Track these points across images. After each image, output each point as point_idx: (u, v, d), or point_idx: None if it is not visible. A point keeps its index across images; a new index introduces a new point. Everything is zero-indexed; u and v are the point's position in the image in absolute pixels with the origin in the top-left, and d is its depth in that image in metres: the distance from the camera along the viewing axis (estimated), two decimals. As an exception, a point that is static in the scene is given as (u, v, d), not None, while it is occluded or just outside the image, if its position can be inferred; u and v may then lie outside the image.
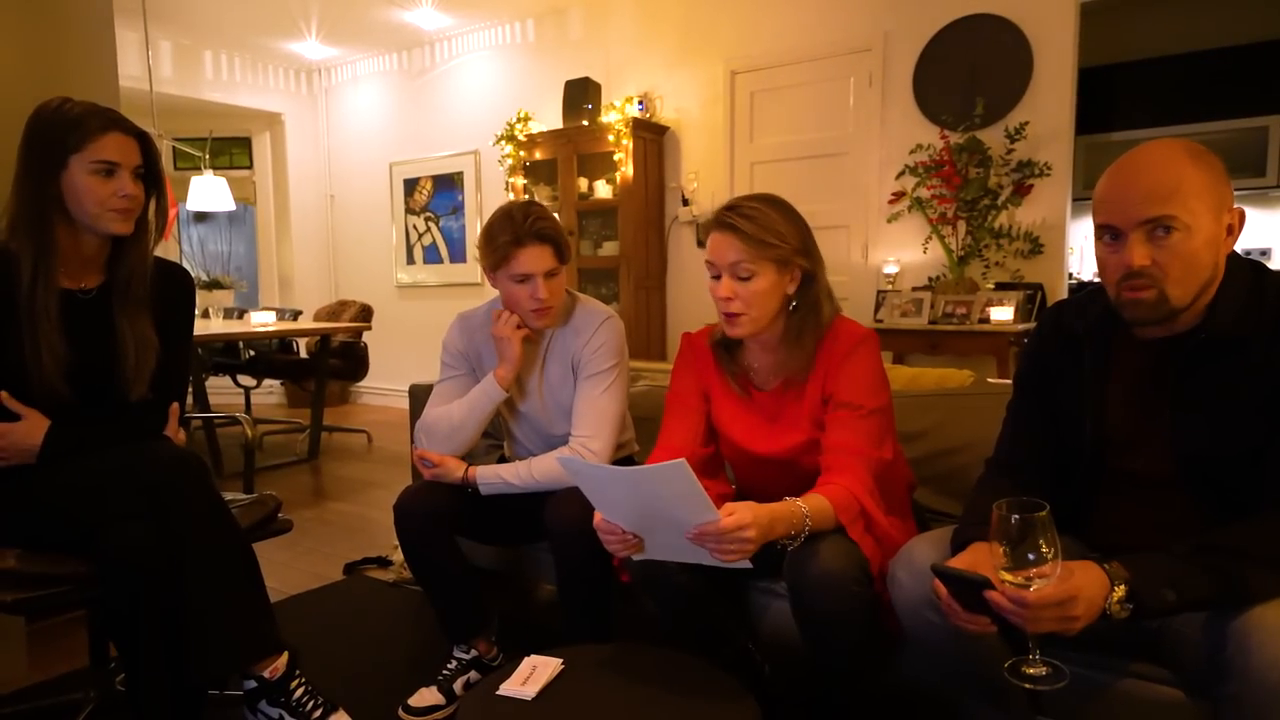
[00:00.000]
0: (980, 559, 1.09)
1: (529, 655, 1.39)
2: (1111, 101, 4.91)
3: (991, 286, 3.87)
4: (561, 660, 1.37)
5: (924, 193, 4.02)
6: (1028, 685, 1.01)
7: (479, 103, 5.82)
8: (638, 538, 1.36)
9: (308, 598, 2.52)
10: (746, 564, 1.28)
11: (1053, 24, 3.80)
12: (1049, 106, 3.83)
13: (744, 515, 1.25)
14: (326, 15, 5.49)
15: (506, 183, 5.32)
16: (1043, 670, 1.01)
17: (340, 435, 5.35)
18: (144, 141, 1.56)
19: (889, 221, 4.22)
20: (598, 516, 1.37)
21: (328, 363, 4.75)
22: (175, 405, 1.64)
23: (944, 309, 3.83)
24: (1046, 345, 1.37)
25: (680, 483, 1.17)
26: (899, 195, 4.14)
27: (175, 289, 1.70)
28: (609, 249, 5.00)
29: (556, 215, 5.16)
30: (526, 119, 5.21)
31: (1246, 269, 1.19)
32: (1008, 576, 0.98)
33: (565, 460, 1.30)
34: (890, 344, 3.90)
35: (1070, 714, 1.36)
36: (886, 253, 4.25)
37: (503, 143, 5.25)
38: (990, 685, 1.31)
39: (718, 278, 1.49)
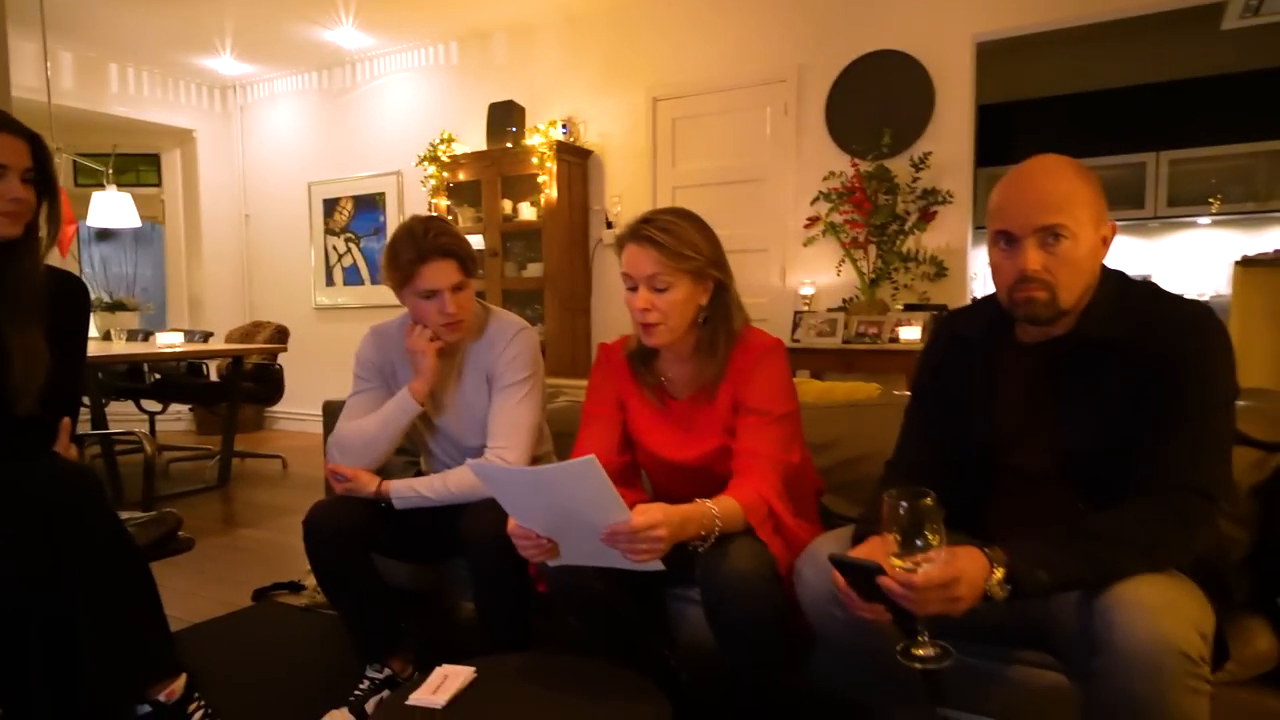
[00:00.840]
0: (874, 549, 1.14)
1: (441, 665, 1.37)
2: (1009, 136, 5.22)
3: (900, 307, 4.04)
4: (474, 669, 1.36)
5: (837, 218, 4.18)
6: (917, 665, 1.06)
7: (402, 123, 5.77)
8: (552, 543, 1.37)
9: (214, 625, 2.42)
10: (659, 565, 1.30)
11: (953, 62, 4.04)
12: (951, 138, 4.05)
13: (655, 514, 1.27)
14: (242, 31, 5.38)
15: (429, 204, 5.29)
16: (932, 651, 1.06)
17: (253, 461, 5.16)
18: (35, 143, 1.50)
19: (805, 245, 4.37)
20: (511, 522, 1.37)
21: (240, 385, 4.59)
22: (66, 420, 1.57)
23: (857, 329, 3.98)
24: (940, 351, 1.46)
25: (591, 480, 1.19)
26: (814, 220, 4.30)
27: (68, 299, 1.63)
28: (533, 270, 5.01)
29: (480, 237, 5.15)
30: (450, 140, 5.20)
31: (1114, 278, 1.30)
32: (898, 562, 1.04)
33: (477, 466, 1.30)
34: (807, 363, 4.02)
35: (968, 702, 1.43)
36: (803, 275, 4.40)
37: (426, 164, 5.22)
38: (895, 680, 1.37)
39: (634, 289, 1.52)
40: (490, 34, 5.36)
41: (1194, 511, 1.08)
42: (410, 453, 2.20)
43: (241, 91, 6.55)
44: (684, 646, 1.68)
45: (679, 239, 1.50)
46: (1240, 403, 1.47)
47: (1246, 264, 3.37)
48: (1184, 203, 4.94)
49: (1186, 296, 1.24)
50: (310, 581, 2.64)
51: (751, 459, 1.49)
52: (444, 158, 5.16)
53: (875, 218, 4.03)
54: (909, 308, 4.02)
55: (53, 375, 1.53)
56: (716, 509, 1.38)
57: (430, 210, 5.26)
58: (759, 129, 4.55)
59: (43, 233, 1.54)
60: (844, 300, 4.24)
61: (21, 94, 2.92)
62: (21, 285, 1.51)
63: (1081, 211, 1.19)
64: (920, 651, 1.07)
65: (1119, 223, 4.99)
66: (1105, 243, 1.26)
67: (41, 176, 1.51)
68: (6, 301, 1.51)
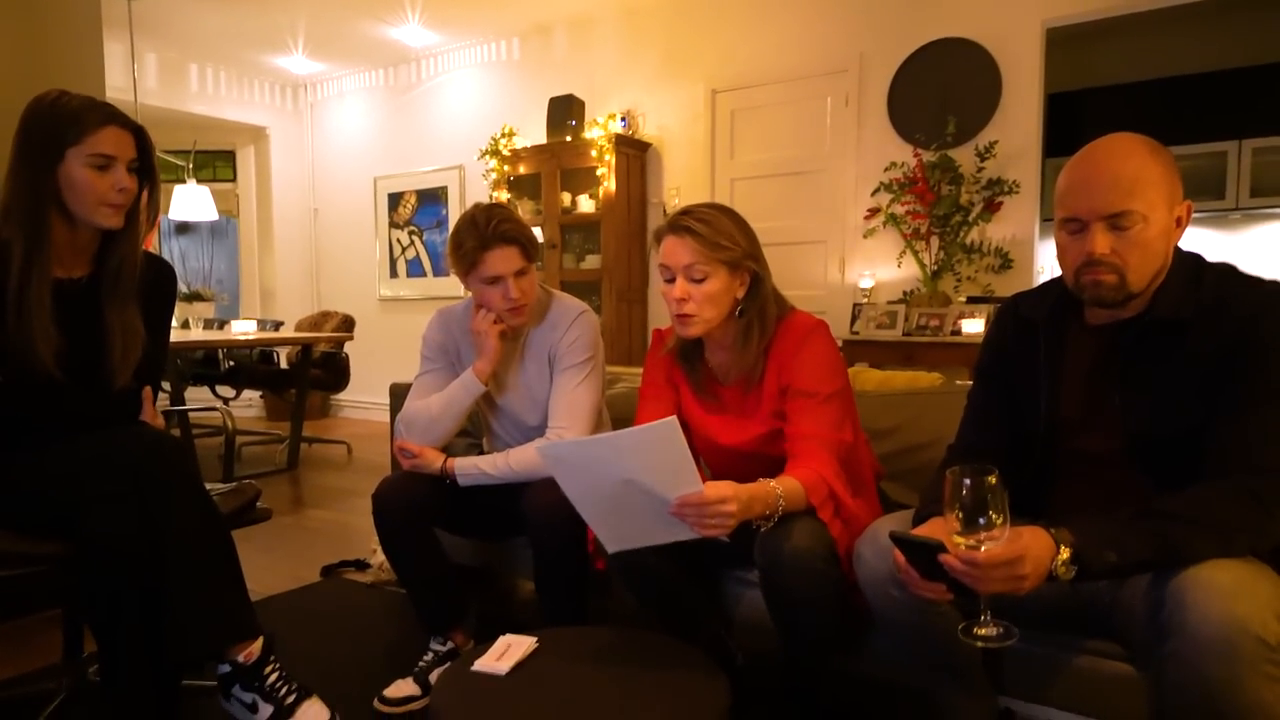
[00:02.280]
0: (936, 528, 1.13)
1: (504, 634, 1.41)
2: (1078, 125, 5.05)
3: (963, 300, 3.96)
4: (536, 639, 1.40)
5: (898, 209, 4.12)
6: (979, 644, 1.06)
7: (464, 118, 5.89)
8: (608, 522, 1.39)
9: (285, 597, 2.52)
10: (723, 538, 1.31)
11: (1021, 49, 3.93)
12: (1017, 127, 3.95)
13: (725, 489, 1.29)
14: (313, 30, 5.56)
15: (490, 197, 5.38)
16: (994, 630, 1.06)
17: (320, 446, 5.34)
18: (139, 136, 1.59)
19: (865, 237, 4.32)
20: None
21: (309, 373, 4.75)
22: (148, 389, 1.66)
23: (918, 321, 3.91)
24: (1004, 334, 1.44)
25: (669, 444, 1.19)
26: (874, 211, 4.24)
27: (160, 282, 1.73)
28: (591, 262, 5.06)
29: (540, 229, 5.23)
30: (511, 134, 5.28)
31: (1189, 260, 1.26)
32: (960, 540, 1.03)
33: (545, 447, 1.32)
34: (866, 355, 3.97)
35: (1029, 690, 1.41)
36: (862, 267, 4.34)
37: (487, 157, 5.32)
38: (954, 664, 1.36)
39: (671, 280, 1.54)
40: (551, 28, 5.42)
41: (1273, 494, 1.04)
42: (473, 435, 2.26)
43: (312, 89, 6.77)
44: (740, 628, 1.69)
45: (716, 229, 1.51)
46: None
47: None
48: (1269, 193, 4.71)
49: (1262, 277, 1.20)
50: (376, 559, 2.73)
51: (805, 440, 1.49)
52: (505, 151, 5.25)
53: (938, 208, 3.96)
54: (972, 300, 3.94)
55: (146, 351, 1.63)
56: (780, 488, 1.39)
57: (492, 200, 5.35)
58: (819, 120, 4.51)
59: (142, 219, 1.63)
60: (905, 293, 4.17)
61: (111, 94, 3.07)
62: (122, 268, 1.61)
63: (1153, 193, 1.16)
64: (982, 631, 1.06)
65: (1198, 215, 4.75)
66: (1180, 224, 1.22)
67: (144, 166, 1.60)
68: (108, 284, 1.60)
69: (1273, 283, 1.18)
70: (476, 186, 5.75)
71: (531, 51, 5.56)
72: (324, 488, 4.20)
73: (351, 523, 3.45)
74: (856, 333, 4.05)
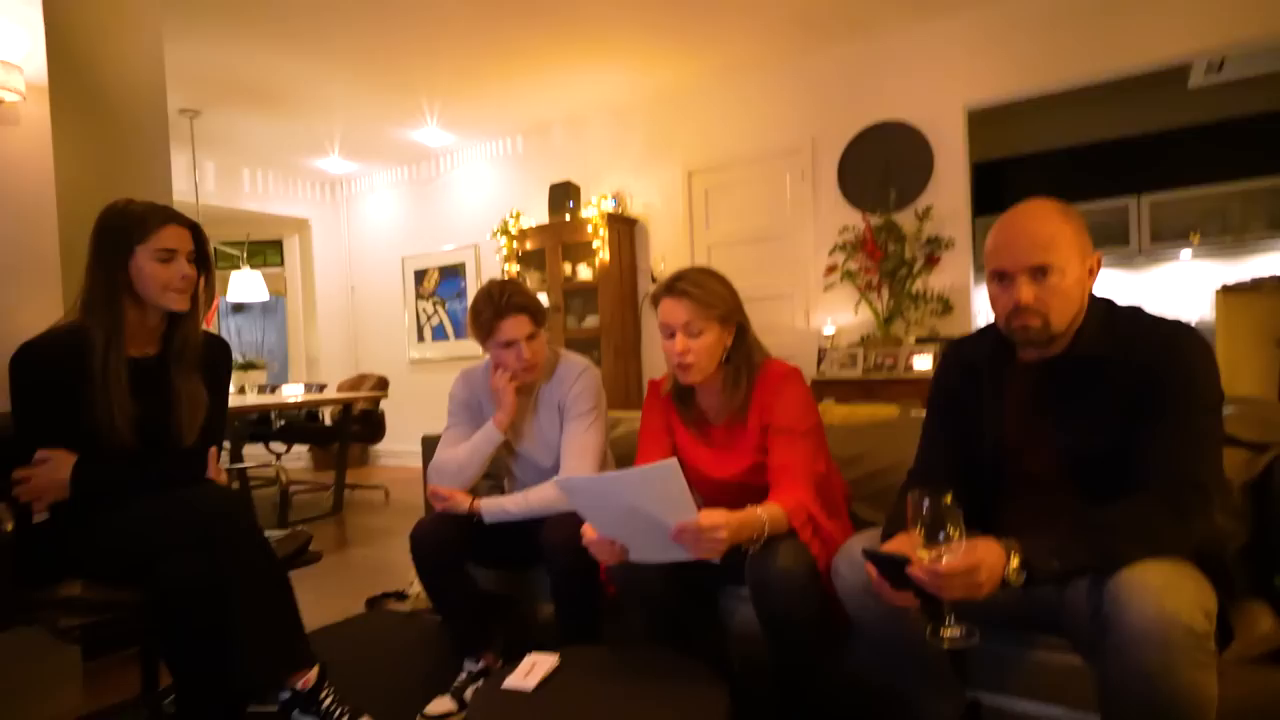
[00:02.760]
0: (902, 544, 1.14)
1: (530, 653, 1.40)
2: (1001, 188, 5.17)
3: (913, 341, 4.00)
4: (558, 657, 1.38)
5: (852, 265, 4.18)
6: (945, 645, 1.05)
7: (477, 204, 5.99)
8: (623, 547, 1.39)
9: (334, 628, 2.48)
10: (715, 560, 1.31)
11: (947, 127, 4.05)
12: (950, 192, 4.04)
13: (718, 517, 1.29)
14: (347, 135, 5.68)
15: (502, 269, 5.44)
16: (958, 631, 1.05)
17: (361, 491, 5.29)
18: (196, 231, 1.62)
19: (825, 290, 4.37)
20: (588, 531, 1.40)
21: (350, 427, 4.74)
22: (213, 449, 1.67)
23: (875, 361, 3.94)
24: (949, 373, 1.46)
25: (670, 480, 1.21)
26: (832, 268, 4.30)
27: (218, 355, 1.75)
28: (590, 322, 5.10)
29: (544, 295, 5.28)
30: (518, 216, 5.37)
31: (1102, 304, 1.29)
32: (923, 553, 1.04)
33: (563, 481, 1.33)
34: (832, 392, 3.98)
35: (993, 683, 1.39)
36: (824, 316, 4.39)
37: (498, 236, 5.40)
38: (925, 664, 1.35)
39: (671, 336, 1.57)
40: (549, 125, 5.55)
41: (1189, 504, 1.05)
42: (494, 478, 2.25)
43: (347, 184, 6.88)
44: (735, 639, 1.67)
45: (707, 291, 1.54)
46: (1231, 409, 1.44)
47: (1227, 291, 3.26)
48: (1165, 238, 4.81)
49: (1164, 316, 1.23)
50: (413, 590, 2.69)
51: (785, 472, 1.50)
52: (513, 230, 5.33)
53: (886, 264, 4.02)
54: (920, 341, 3.98)
55: (208, 415, 1.64)
56: (765, 514, 1.40)
57: (503, 275, 5.42)
58: (780, 192, 4.60)
59: (200, 301, 1.65)
60: (862, 337, 4.21)
61: (177, 197, 3.14)
62: (186, 344, 1.62)
63: (1066, 247, 1.20)
64: (947, 633, 1.06)
65: (1107, 258, 4.85)
66: (1091, 273, 1.26)
67: (200, 256, 1.63)
68: (175, 358, 1.62)
69: (1173, 321, 1.21)
70: (490, 261, 5.82)
71: (533, 145, 5.68)
72: (365, 528, 4.15)
73: (391, 559, 3.40)
74: (823, 372, 4.07)
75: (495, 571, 2.09)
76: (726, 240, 4.82)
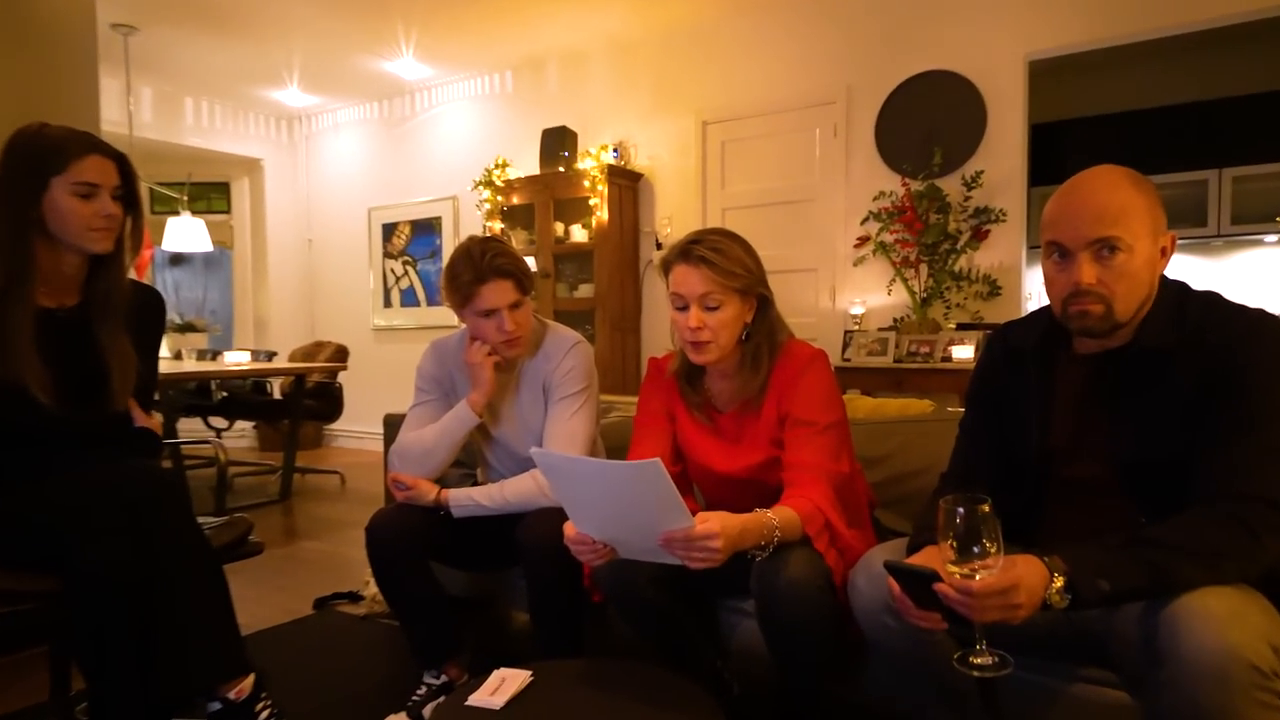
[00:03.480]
0: (931, 557, 1.13)
1: (499, 668, 1.40)
2: (1063, 155, 5.12)
3: (953, 327, 3.99)
4: (530, 673, 1.39)
5: (887, 237, 4.16)
6: (975, 674, 1.05)
7: (458, 150, 5.94)
8: (608, 547, 1.39)
9: (276, 631, 2.49)
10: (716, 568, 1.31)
11: (1004, 81, 4.01)
12: (1003, 157, 4.01)
13: (713, 524, 1.28)
14: (309, 64, 5.62)
15: (484, 227, 5.41)
16: (989, 660, 1.05)
17: (313, 476, 5.30)
18: (122, 163, 1.60)
19: (855, 265, 4.36)
20: (569, 529, 1.40)
21: (302, 403, 4.74)
22: (133, 400, 1.65)
23: (908, 348, 3.93)
24: (994, 362, 1.45)
25: (654, 483, 1.20)
26: (864, 240, 4.28)
27: (148, 308, 1.74)
28: (584, 291, 5.08)
29: (533, 259, 5.25)
30: (504, 165, 5.33)
31: (1174, 288, 1.28)
32: (954, 569, 1.03)
33: (539, 453, 1.32)
34: (857, 382, 3.98)
35: (1024, 718, 1.40)
36: (853, 295, 4.37)
37: (481, 188, 5.36)
38: (949, 692, 1.35)
39: (684, 308, 1.55)
40: (543, 62, 5.50)
41: (1260, 521, 1.05)
42: (467, 467, 2.25)
43: (306, 122, 6.82)
44: (737, 657, 1.68)
45: (729, 258, 1.53)
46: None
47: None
48: (1249, 220, 4.78)
49: (1246, 305, 1.21)
50: (369, 591, 2.70)
51: (802, 470, 1.49)
52: (498, 182, 5.29)
53: (926, 237, 4.00)
54: (961, 327, 3.97)
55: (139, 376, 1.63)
56: (776, 520, 1.39)
57: (485, 232, 5.39)
58: (808, 150, 4.57)
59: (127, 245, 1.64)
60: (895, 320, 4.20)
61: (107, 127, 3.10)
62: (110, 294, 1.61)
63: (1137, 223, 1.18)
64: (978, 660, 1.06)
65: (1181, 241, 4.82)
66: (1165, 254, 1.24)
67: (128, 194, 1.61)
68: (97, 310, 1.60)
69: (1253, 310, 1.20)
70: (470, 217, 5.79)
71: (524, 84, 5.63)
72: (317, 518, 4.16)
73: (345, 554, 3.42)
74: (848, 360, 4.07)
75: (463, 573, 2.09)
76: (744, 203, 4.79)
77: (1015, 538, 1.44)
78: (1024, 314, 1.50)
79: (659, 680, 1.39)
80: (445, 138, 6.05)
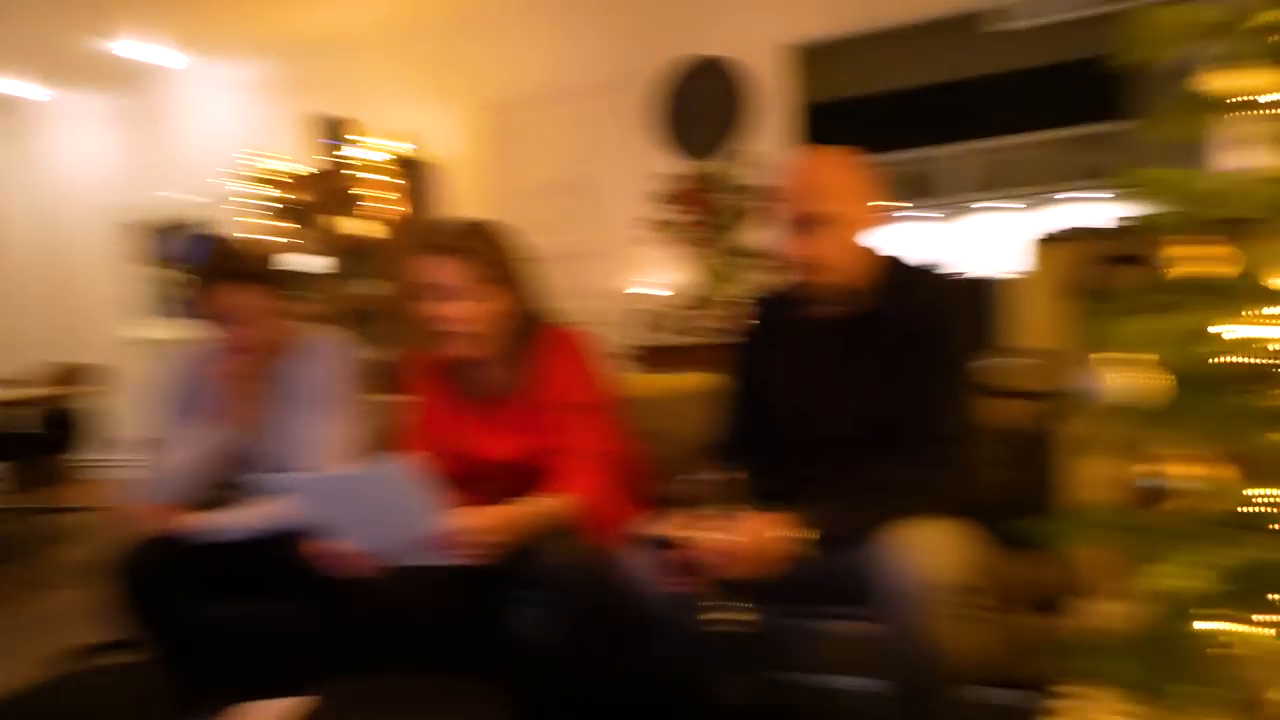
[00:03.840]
0: (686, 525, 1.19)
1: (273, 697, 1.31)
2: (830, 134, 5.56)
3: (764, 292, 4.19)
4: (314, 698, 1.31)
5: (671, 219, 4.30)
6: (727, 628, 1.12)
7: (219, 142, 5.43)
8: (368, 554, 1.34)
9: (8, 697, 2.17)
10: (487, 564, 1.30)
11: (769, 65, 4.25)
12: (774, 137, 4.26)
13: (479, 518, 1.27)
14: (25, 45, 4.89)
15: (253, 225, 5.00)
16: (737, 613, 1.13)
17: (61, 516, 4.66)
18: None
19: (641, 246, 4.47)
20: (325, 545, 1.34)
21: (40, 433, 4.16)
22: None
23: (694, 324, 4.11)
24: (747, 333, 1.54)
25: (405, 483, 1.17)
26: (648, 221, 4.40)
27: None
28: (374, 288, 4.86)
29: (313, 257, 4.91)
30: (274, 158, 4.95)
31: (888, 259, 1.42)
32: (707, 533, 1.09)
33: (276, 480, 1.24)
34: (654, 361, 4.09)
35: (794, 661, 1.51)
36: (642, 276, 4.49)
37: (248, 183, 4.95)
38: (719, 648, 1.43)
39: (435, 300, 1.51)
40: (312, 46, 5.12)
41: (946, 457, 1.19)
42: (235, 487, 2.08)
43: (29, 112, 5.96)
44: (522, 648, 1.67)
45: (476, 247, 1.51)
46: (1014, 360, 1.65)
47: (1044, 241, 3.72)
48: (969, 190, 5.45)
49: (936, 269, 1.38)
50: (125, 638, 2.43)
51: (573, 454, 1.51)
52: (268, 177, 4.91)
53: (707, 217, 4.18)
54: (744, 302, 4.19)
55: None
56: (543, 507, 1.40)
57: (253, 232, 4.99)
58: (591, 135, 4.62)
59: None
60: (680, 298, 4.36)
61: None
62: None
63: (843, 196, 1.30)
64: (724, 615, 1.13)
65: (921, 209, 5.37)
66: (875, 225, 1.38)
67: None
68: None
69: (939, 275, 1.36)
70: (237, 215, 5.31)
71: (292, 70, 5.24)
72: (61, 564, 3.69)
73: (91, 601, 3.04)
74: (637, 339, 4.18)
75: (232, 604, 1.93)
76: (533, 189, 4.76)
77: (779, 495, 1.55)
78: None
79: (445, 688, 1.36)
80: (204, 129, 5.53)
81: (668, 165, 4.39)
